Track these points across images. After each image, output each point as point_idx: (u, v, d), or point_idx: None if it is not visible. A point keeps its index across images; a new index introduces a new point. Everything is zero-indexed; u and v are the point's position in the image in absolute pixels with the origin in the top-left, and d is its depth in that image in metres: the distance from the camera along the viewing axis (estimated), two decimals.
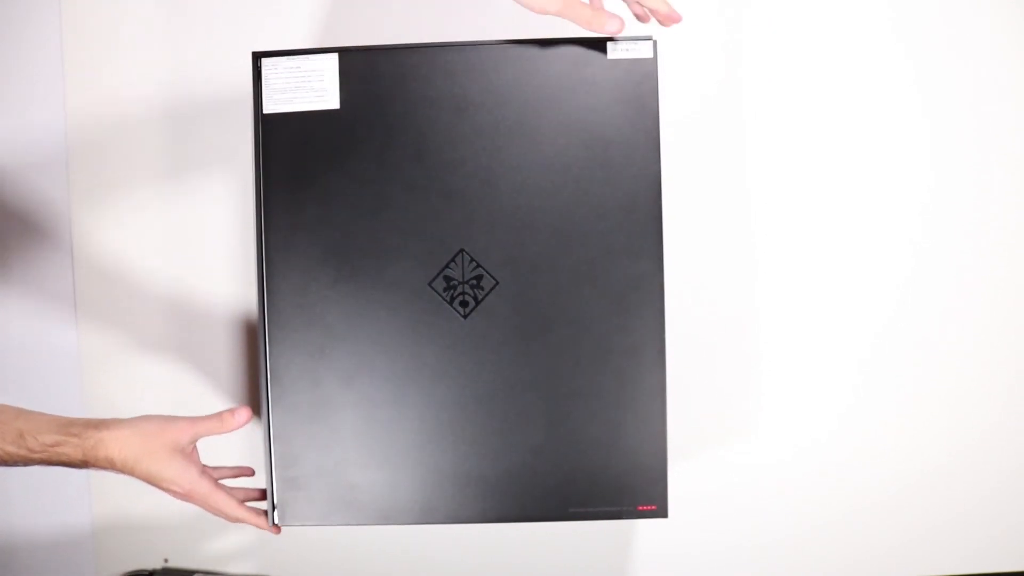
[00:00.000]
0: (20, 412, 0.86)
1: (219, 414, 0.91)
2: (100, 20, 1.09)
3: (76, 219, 1.10)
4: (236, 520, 0.92)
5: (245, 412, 0.91)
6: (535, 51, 0.88)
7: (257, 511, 0.92)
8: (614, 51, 0.88)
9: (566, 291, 0.87)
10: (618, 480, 0.89)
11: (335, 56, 0.88)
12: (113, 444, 0.86)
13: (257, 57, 0.89)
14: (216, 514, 0.91)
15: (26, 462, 0.85)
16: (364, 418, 0.89)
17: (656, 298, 0.87)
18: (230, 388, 1.11)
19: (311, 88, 0.88)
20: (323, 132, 0.88)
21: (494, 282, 0.88)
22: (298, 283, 0.89)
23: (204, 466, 0.91)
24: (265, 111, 0.89)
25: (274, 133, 0.89)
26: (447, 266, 0.88)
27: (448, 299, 0.88)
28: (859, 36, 1.09)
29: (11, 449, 0.84)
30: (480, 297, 0.88)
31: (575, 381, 0.88)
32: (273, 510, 0.90)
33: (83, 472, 1.09)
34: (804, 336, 1.10)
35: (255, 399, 1.02)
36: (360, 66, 0.88)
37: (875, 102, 1.09)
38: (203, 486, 0.89)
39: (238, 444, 1.10)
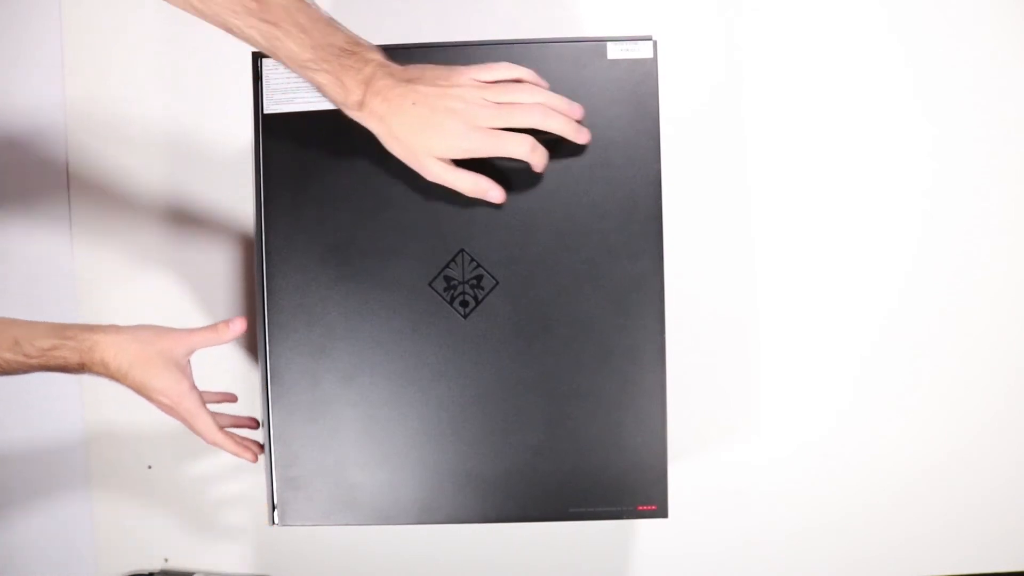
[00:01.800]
0: (14, 321, 0.87)
1: (214, 325, 0.91)
2: (100, 20, 1.09)
3: (76, 218, 1.10)
4: (213, 443, 0.91)
5: (240, 322, 0.91)
6: (535, 51, 0.88)
7: (235, 438, 0.92)
8: (614, 51, 0.88)
9: (566, 291, 0.87)
10: (618, 480, 0.89)
11: None
12: (109, 347, 0.86)
13: (257, 57, 0.89)
14: (196, 433, 0.91)
15: (24, 369, 0.85)
16: (364, 418, 0.89)
17: (656, 298, 0.87)
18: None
19: (311, 88, 0.88)
20: (323, 132, 0.88)
21: (494, 282, 0.88)
22: (298, 283, 0.89)
23: (193, 383, 0.91)
24: (265, 111, 0.89)
25: (274, 133, 0.89)
26: (447, 266, 0.88)
27: (448, 299, 0.88)
28: (859, 36, 1.09)
29: (8, 356, 0.84)
30: (480, 297, 0.88)
31: (575, 381, 0.88)
32: (273, 510, 0.90)
33: (83, 472, 1.10)
34: (804, 336, 1.10)
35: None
36: None
37: (875, 102, 1.09)
38: (190, 402, 0.89)
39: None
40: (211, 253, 1.09)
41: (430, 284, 0.88)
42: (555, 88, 0.86)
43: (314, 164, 0.89)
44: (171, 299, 1.11)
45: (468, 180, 0.82)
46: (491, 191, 0.83)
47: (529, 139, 0.81)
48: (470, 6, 1.07)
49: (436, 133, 0.79)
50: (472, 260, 0.88)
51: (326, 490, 0.89)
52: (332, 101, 0.80)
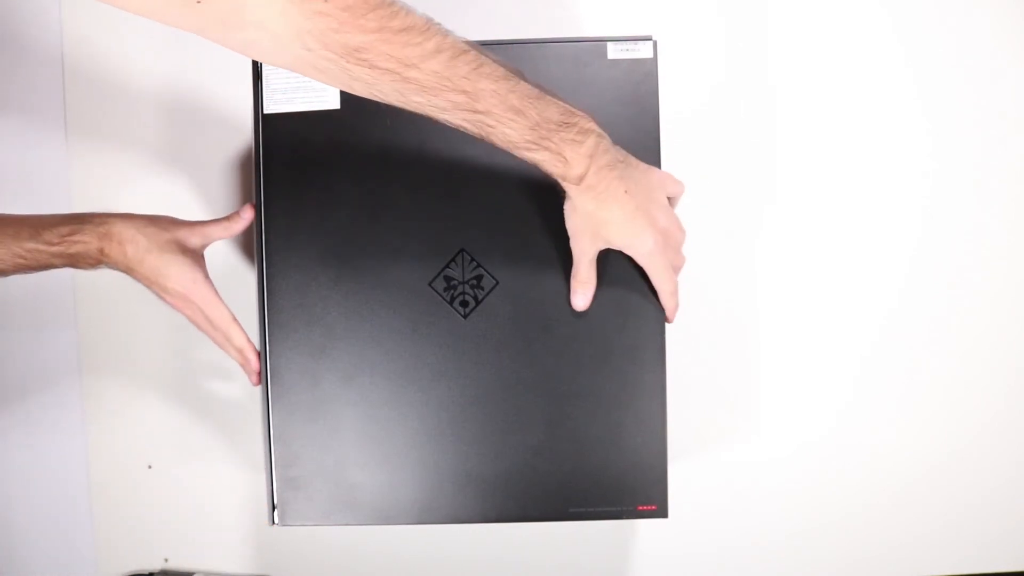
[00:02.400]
0: (31, 215, 0.87)
1: (227, 216, 0.92)
2: (100, 21, 1.09)
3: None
4: (227, 336, 0.92)
5: (248, 209, 0.92)
6: (535, 51, 0.88)
7: (247, 337, 0.92)
8: (614, 51, 0.88)
9: (566, 291, 0.87)
10: (618, 480, 0.89)
11: None
12: (126, 230, 0.87)
13: None
14: (207, 325, 0.92)
15: (45, 260, 0.86)
16: (364, 418, 0.89)
17: (656, 298, 0.87)
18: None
19: (311, 88, 0.88)
20: (323, 132, 0.89)
21: (494, 282, 0.88)
22: (298, 283, 0.89)
23: (207, 273, 0.91)
24: (265, 111, 0.89)
25: (274, 133, 0.89)
26: (447, 266, 0.88)
27: (448, 299, 0.88)
28: (859, 35, 1.09)
29: (28, 245, 0.84)
30: (480, 297, 0.88)
31: (575, 381, 0.88)
32: (273, 510, 0.90)
33: (83, 472, 1.10)
34: (804, 335, 1.10)
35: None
36: None
37: (875, 102, 1.09)
38: (205, 290, 0.90)
39: (238, 444, 1.10)
40: (210, 253, 1.09)
41: (430, 284, 0.88)
42: (555, 88, 0.86)
43: (314, 164, 0.89)
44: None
45: (588, 275, 0.85)
46: (582, 297, 0.86)
47: (676, 281, 0.86)
48: (470, 6, 1.07)
49: (629, 231, 0.80)
50: (472, 260, 0.88)
51: (326, 490, 0.89)
52: (547, 173, 0.76)
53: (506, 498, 0.89)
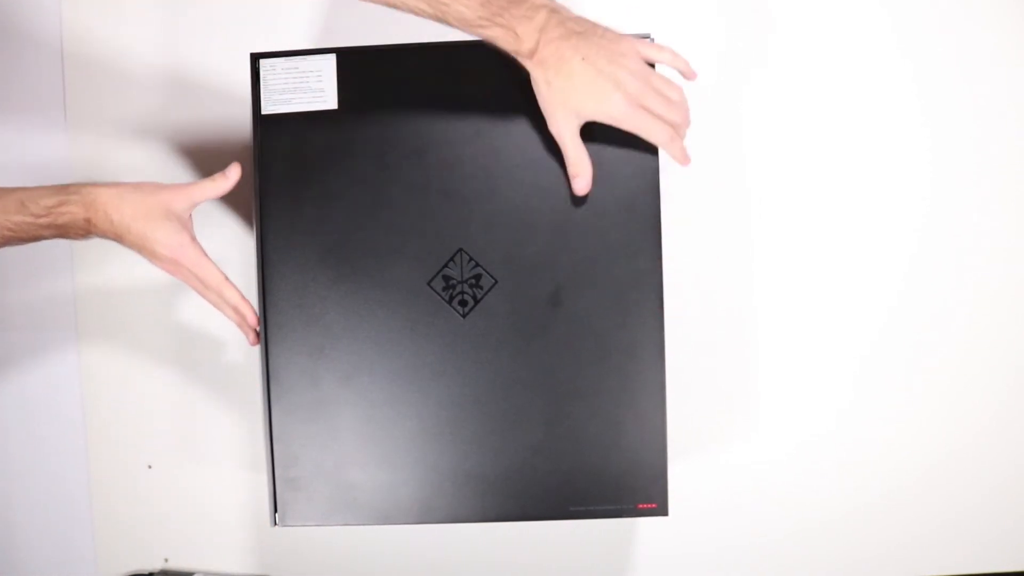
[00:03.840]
0: (17, 187, 0.87)
1: (212, 176, 0.91)
2: (100, 22, 1.10)
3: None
4: (219, 294, 0.91)
5: (235, 167, 0.91)
6: None
7: (241, 295, 0.92)
8: None
9: (565, 289, 0.87)
10: (618, 478, 0.89)
11: (333, 56, 0.89)
12: (111, 199, 0.86)
13: (255, 58, 0.89)
14: (200, 287, 0.91)
15: (33, 232, 0.86)
16: (364, 418, 0.89)
17: (655, 296, 0.87)
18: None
19: (309, 88, 0.89)
20: (321, 133, 0.89)
21: (493, 281, 0.88)
22: (297, 283, 0.89)
23: (194, 236, 0.91)
24: (263, 112, 0.89)
25: (273, 134, 0.89)
26: (446, 265, 0.88)
27: (447, 298, 0.88)
28: (858, 35, 1.09)
29: (16, 218, 0.84)
30: (479, 296, 0.88)
31: (574, 380, 0.88)
32: (274, 511, 0.90)
33: (83, 471, 1.10)
34: (803, 334, 1.10)
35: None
36: (358, 66, 0.89)
37: (874, 101, 1.09)
38: (194, 251, 0.89)
39: (238, 444, 1.10)
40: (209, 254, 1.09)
41: (429, 284, 0.88)
42: None
43: (312, 164, 0.89)
44: (171, 300, 1.10)
45: (578, 154, 0.84)
46: (582, 179, 0.85)
47: (669, 128, 0.83)
48: None
49: (595, 95, 0.81)
50: (471, 259, 0.88)
51: (326, 490, 0.89)
52: (503, 51, 0.80)
53: (506, 497, 0.89)
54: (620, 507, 0.89)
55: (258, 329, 0.90)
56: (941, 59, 1.09)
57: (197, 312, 1.10)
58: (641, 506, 0.89)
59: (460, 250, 0.88)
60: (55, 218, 0.85)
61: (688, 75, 0.87)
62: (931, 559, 1.12)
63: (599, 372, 0.88)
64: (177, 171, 1.10)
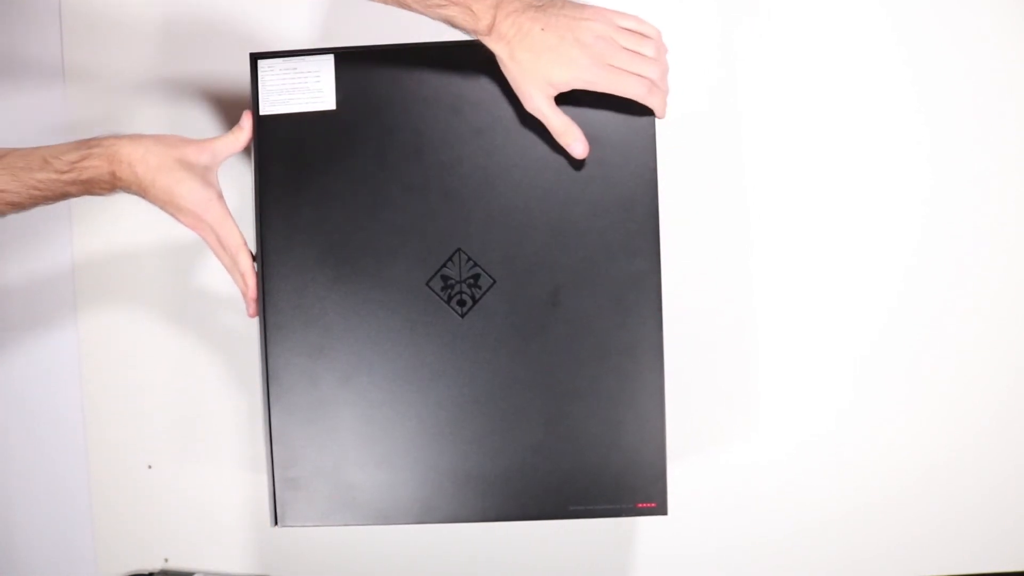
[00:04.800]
0: (39, 146, 0.87)
1: (231, 130, 0.91)
2: (99, 22, 1.10)
3: (76, 218, 1.10)
4: (234, 259, 0.91)
5: (248, 117, 0.91)
6: None
7: (253, 265, 0.91)
8: None
9: (563, 289, 0.87)
10: (618, 478, 0.89)
11: (331, 57, 0.89)
12: (135, 153, 0.86)
13: (254, 58, 0.89)
14: (217, 246, 0.91)
15: (58, 189, 0.86)
16: (363, 418, 0.89)
17: (654, 296, 0.88)
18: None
19: (307, 89, 0.89)
20: (320, 133, 0.89)
21: (492, 281, 0.88)
22: (296, 284, 0.89)
23: (220, 193, 0.91)
24: (262, 112, 0.89)
25: (271, 134, 0.89)
26: (444, 265, 0.88)
27: (446, 298, 0.88)
28: (858, 36, 1.09)
29: (40, 176, 0.84)
30: (478, 296, 0.88)
31: (574, 379, 0.88)
32: (274, 511, 0.90)
33: (83, 472, 1.10)
34: (803, 334, 1.10)
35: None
36: (356, 66, 0.89)
37: (873, 100, 1.09)
38: (218, 209, 0.90)
39: (238, 444, 1.10)
40: (208, 253, 1.09)
41: (427, 283, 0.88)
42: None
43: (311, 165, 0.89)
44: (171, 301, 1.11)
45: (562, 121, 0.84)
46: (576, 143, 0.84)
47: (647, 80, 0.82)
48: None
49: (561, 61, 0.80)
50: (469, 259, 0.88)
51: (326, 490, 0.89)
52: (462, 31, 0.80)
53: (505, 497, 0.89)
54: (620, 506, 0.89)
55: (257, 302, 0.90)
56: (942, 59, 1.09)
57: (197, 313, 1.10)
58: (641, 505, 0.89)
59: (459, 250, 0.88)
60: (79, 173, 0.85)
61: (659, 42, 0.86)
62: (931, 559, 1.12)
63: (598, 371, 0.88)
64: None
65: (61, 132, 1.09)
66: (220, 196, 0.90)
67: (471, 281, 0.88)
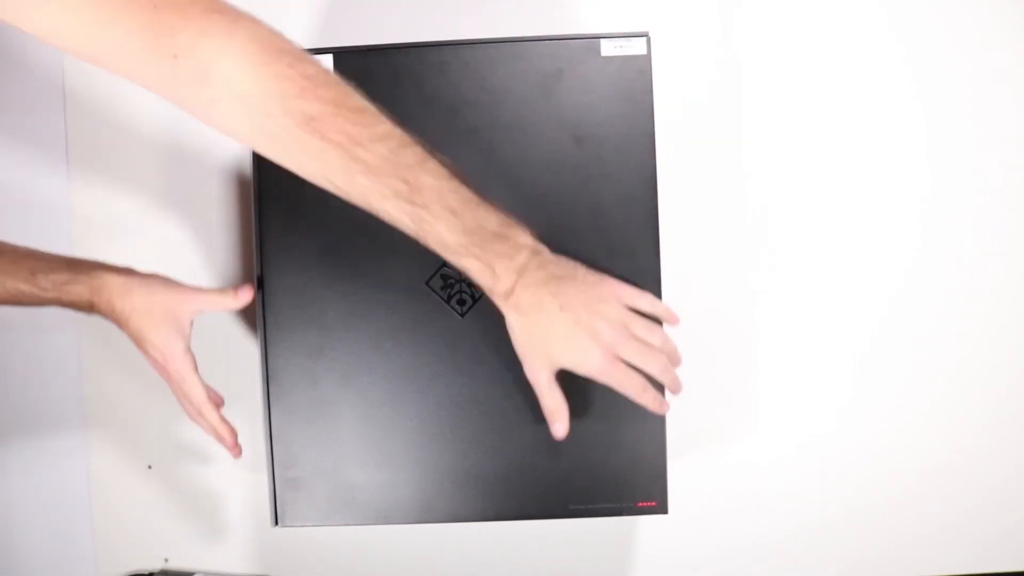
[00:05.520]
0: (30, 251, 0.87)
1: (224, 289, 0.90)
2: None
3: (76, 216, 1.11)
4: (199, 412, 0.89)
5: (248, 291, 0.89)
6: (529, 49, 0.89)
7: (221, 415, 0.90)
8: (608, 48, 0.88)
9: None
10: (618, 477, 0.89)
11: (330, 57, 0.89)
12: (117, 289, 0.86)
13: None
14: (183, 400, 0.90)
15: (38, 302, 0.86)
16: (363, 418, 0.89)
17: (653, 294, 0.87)
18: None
19: None
20: None
21: None
22: (296, 283, 0.89)
23: (189, 346, 0.89)
24: None
25: None
26: (444, 264, 0.88)
27: (445, 298, 0.89)
28: (856, 31, 1.09)
29: (24, 287, 0.85)
30: (477, 295, 0.89)
31: (574, 378, 0.88)
32: (274, 511, 0.90)
33: (83, 471, 1.10)
34: (803, 333, 1.10)
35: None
36: (355, 66, 0.89)
37: (872, 98, 1.09)
38: (183, 364, 0.88)
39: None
40: (209, 254, 1.09)
41: (427, 283, 0.89)
42: (549, 85, 0.87)
43: None
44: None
45: (555, 402, 0.80)
46: (560, 425, 0.80)
47: (641, 380, 0.80)
48: (464, 5, 1.08)
49: (571, 347, 0.77)
50: None
51: (326, 490, 0.90)
52: (477, 284, 0.76)
53: (505, 496, 0.89)
54: (620, 505, 0.89)
55: (238, 446, 0.90)
56: (941, 56, 1.09)
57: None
58: (641, 504, 0.89)
59: None
60: (61, 294, 0.86)
61: (670, 321, 0.84)
62: (931, 559, 1.12)
63: None
64: (178, 180, 1.10)
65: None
66: (187, 349, 0.88)
67: (471, 281, 0.88)
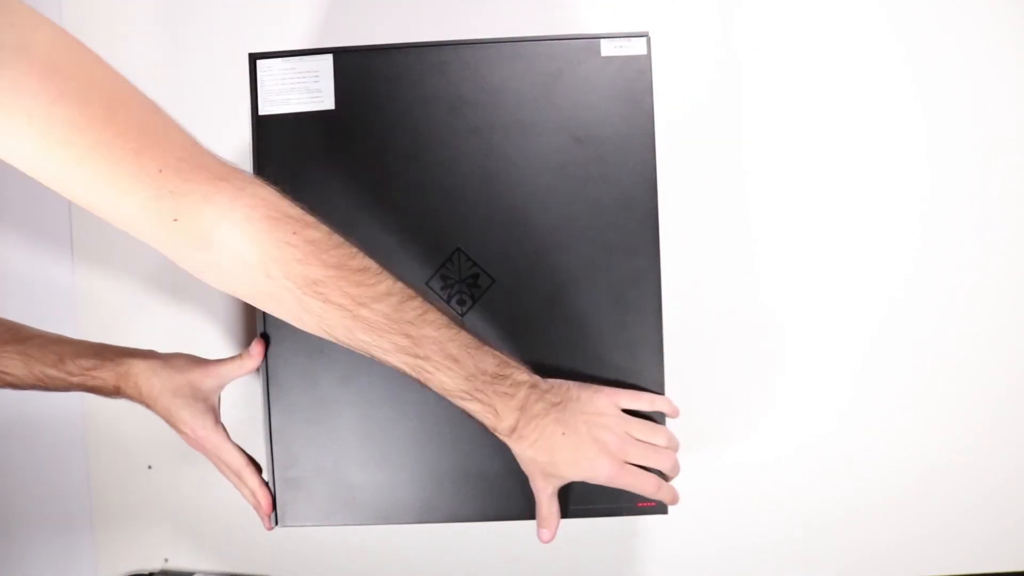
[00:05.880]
0: (59, 337, 0.89)
1: (239, 355, 0.91)
2: (100, 22, 1.10)
3: (76, 218, 1.11)
4: (240, 478, 0.91)
5: (257, 345, 0.90)
6: (529, 49, 0.89)
7: (261, 480, 0.91)
8: (608, 48, 0.88)
9: (563, 289, 0.87)
10: None
11: (330, 57, 0.89)
12: (142, 374, 0.88)
13: (253, 58, 0.89)
14: (222, 468, 0.92)
15: (64, 387, 0.87)
16: (362, 418, 0.89)
17: (653, 295, 0.88)
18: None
19: (306, 89, 0.89)
20: (319, 133, 0.89)
21: (491, 280, 0.88)
22: None
23: (219, 418, 0.91)
24: (261, 112, 0.89)
25: (270, 134, 0.89)
26: (444, 265, 0.88)
27: (445, 298, 0.88)
28: (856, 31, 1.09)
29: (52, 372, 0.86)
30: (477, 296, 0.88)
31: (573, 378, 0.88)
32: (274, 511, 0.90)
33: (83, 471, 1.10)
34: (803, 334, 1.10)
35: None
36: (355, 66, 0.89)
37: (873, 98, 1.09)
38: (215, 436, 0.90)
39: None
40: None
41: (427, 283, 0.88)
42: (549, 85, 0.87)
43: (310, 165, 0.89)
44: (169, 301, 1.11)
45: (551, 512, 0.84)
46: (547, 532, 0.85)
47: (654, 478, 0.83)
48: (463, 5, 1.08)
49: (581, 463, 0.80)
50: (468, 259, 0.88)
51: (326, 490, 0.90)
52: (481, 423, 0.78)
53: (506, 496, 0.89)
54: (620, 506, 0.89)
55: (273, 516, 0.91)
56: (941, 56, 1.09)
57: (197, 313, 1.10)
58: (641, 505, 0.89)
59: (458, 249, 0.88)
60: (87, 380, 0.87)
61: (671, 414, 0.88)
62: (931, 559, 1.12)
63: (598, 371, 0.88)
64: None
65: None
66: (218, 421, 0.91)
67: (471, 281, 0.88)
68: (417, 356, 0.73)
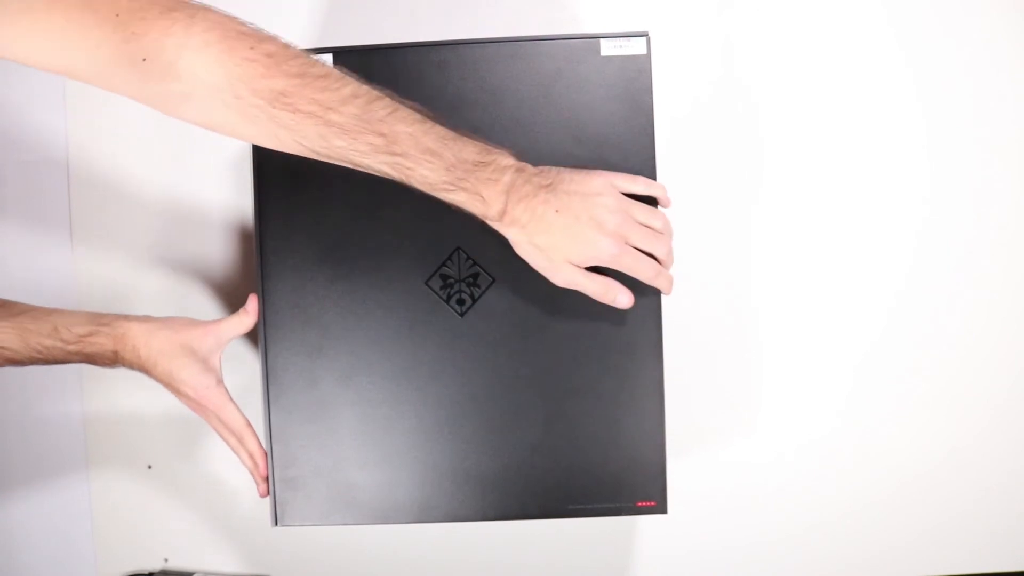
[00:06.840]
0: (52, 309, 0.89)
1: (236, 313, 0.92)
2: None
3: (76, 217, 1.11)
4: (240, 439, 0.92)
5: (253, 301, 0.91)
6: (529, 48, 0.89)
7: (260, 443, 0.92)
8: (608, 48, 0.88)
9: (563, 288, 0.87)
10: (617, 476, 0.89)
11: (329, 56, 0.89)
12: (140, 336, 0.88)
13: None
14: (223, 431, 0.92)
15: (62, 357, 0.87)
16: (362, 417, 0.89)
17: (654, 294, 0.88)
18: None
19: None
20: None
21: (491, 279, 0.88)
22: (295, 283, 0.89)
23: (221, 379, 0.92)
24: None
25: None
26: (443, 264, 0.88)
27: (445, 297, 0.88)
28: (857, 31, 1.09)
29: (48, 342, 0.86)
30: (477, 295, 0.88)
31: (573, 378, 0.88)
32: (273, 510, 0.90)
33: (82, 471, 1.10)
34: (803, 333, 1.10)
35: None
36: (355, 66, 0.88)
37: (873, 98, 1.09)
38: (218, 395, 0.91)
39: None
40: (208, 254, 1.09)
41: (426, 283, 0.89)
42: (549, 85, 0.87)
43: (310, 165, 0.89)
44: (168, 285, 1.11)
45: (600, 284, 0.81)
46: (620, 296, 0.82)
47: (653, 263, 0.82)
48: (463, 5, 1.08)
49: (580, 243, 0.79)
50: (468, 258, 0.88)
51: (325, 490, 0.90)
52: (471, 214, 0.78)
53: (505, 496, 0.89)
54: (619, 505, 0.89)
55: (268, 481, 0.91)
56: (941, 55, 1.09)
57: (197, 313, 1.10)
58: (640, 504, 0.89)
59: (458, 248, 0.88)
60: (84, 347, 0.87)
61: (664, 203, 0.86)
62: (931, 559, 1.12)
63: (598, 370, 0.88)
64: (175, 172, 1.10)
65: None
66: (220, 381, 0.92)
67: (470, 280, 0.88)
68: (394, 153, 0.74)
